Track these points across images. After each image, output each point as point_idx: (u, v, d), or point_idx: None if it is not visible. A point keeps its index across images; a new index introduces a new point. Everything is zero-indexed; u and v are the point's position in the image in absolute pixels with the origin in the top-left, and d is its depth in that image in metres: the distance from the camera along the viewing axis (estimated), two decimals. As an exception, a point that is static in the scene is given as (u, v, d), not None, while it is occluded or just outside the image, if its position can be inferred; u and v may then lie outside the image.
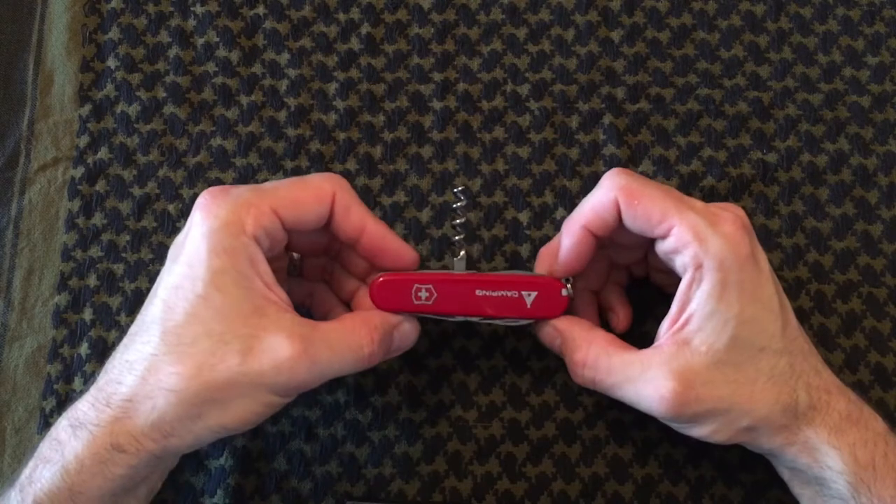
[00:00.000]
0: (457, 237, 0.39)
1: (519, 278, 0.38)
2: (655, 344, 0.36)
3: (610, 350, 0.36)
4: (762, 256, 0.36)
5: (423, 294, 0.37)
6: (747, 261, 0.34)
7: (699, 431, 0.35)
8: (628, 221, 0.36)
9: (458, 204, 0.40)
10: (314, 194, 0.36)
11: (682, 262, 0.35)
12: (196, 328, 0.33)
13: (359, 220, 0.37)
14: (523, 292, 0.38)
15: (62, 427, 0.33)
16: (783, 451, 0.35)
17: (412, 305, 0.37)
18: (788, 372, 0.35)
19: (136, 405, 0.32)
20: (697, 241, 0.34)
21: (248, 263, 0.33)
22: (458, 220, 0.40)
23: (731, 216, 0.35)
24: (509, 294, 0.38)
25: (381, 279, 0.38)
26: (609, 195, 0.36)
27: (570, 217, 0.38)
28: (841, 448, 0.34)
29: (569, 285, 0.38)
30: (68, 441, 0.33)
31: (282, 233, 0.35)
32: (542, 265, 0.39)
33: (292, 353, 0.33)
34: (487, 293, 0.38)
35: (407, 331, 0.38)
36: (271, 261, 0.35)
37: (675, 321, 0.35)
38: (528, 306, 0.38)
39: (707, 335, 0.34)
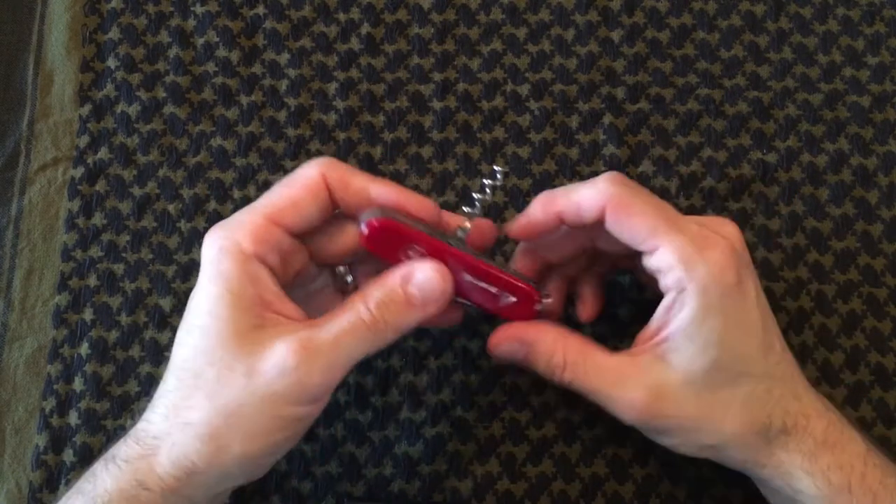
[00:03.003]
0: (472, 207, 0.37)
1: (506, 279, 0.36)
2: (632, 350, 0.36)
3: (586, 352, 0.36)
4: (750, 281, 0.35)
5: (412, 254, 0.35)
6: (732, 288, 0.34)
7: (665, 441, 0.36)
8: (614, 231, 0.35)
9: (490, 181, 0.38)
10: (304, 185, 0.35)
11: (664, 283, 0.35)
12: (200, 360, 0.33)
13: (361, 189, 0.35)
14: (504, 293, 0.36)
15: (100, 460, 0.34)
16: (755, 471, 0.35)
17: (396, 259, 0.35)
18: (765, 397, 0.35)
19: (160, 443, 0.33)
20: (681, 266, 0.33)
21: (248, 283, 0.33)
22: (481, 195, 0.37)
23: (721, 241, 0.34)
24: (490, 288, 0.36)
25: (376, 223, 0.34)
26: (598, 200, 0.35)
27: (552, 195, 0.36)
28: (813, 473, 0.34)
29: (545, 300, 0.37)
30: (101, 474, 0.33)
31: (288, 240, 0.35)
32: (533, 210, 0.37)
33: (292, 352, 0.32)
34: (472, 280, 0.36)
35: (428, 280, 0.34)
36: (306, 279, 0.34)
37: (653, 337, 0.35)
38: (500, 304, 0.37)
39: (683, 357, 0.34)
